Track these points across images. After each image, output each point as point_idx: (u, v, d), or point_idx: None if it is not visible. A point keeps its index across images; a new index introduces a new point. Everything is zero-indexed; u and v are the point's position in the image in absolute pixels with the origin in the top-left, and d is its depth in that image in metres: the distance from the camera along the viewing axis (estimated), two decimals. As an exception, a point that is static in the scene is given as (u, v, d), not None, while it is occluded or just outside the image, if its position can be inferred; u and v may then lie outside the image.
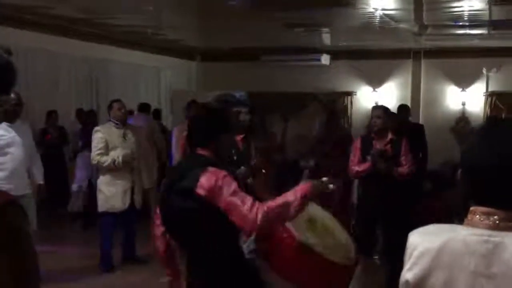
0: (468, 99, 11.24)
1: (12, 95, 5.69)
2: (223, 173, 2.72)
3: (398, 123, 7.98)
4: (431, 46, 10.81)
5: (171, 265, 3.21)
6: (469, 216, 1.50)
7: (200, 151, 2.92)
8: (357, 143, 6.00)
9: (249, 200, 2.63)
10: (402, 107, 8.69)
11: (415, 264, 1.51)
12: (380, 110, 5.94)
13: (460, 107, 11.30)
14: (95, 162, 6.48)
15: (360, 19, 8.44)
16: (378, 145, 5.80)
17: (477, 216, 1.48)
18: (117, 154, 6.40)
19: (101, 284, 6.27)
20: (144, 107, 10.25)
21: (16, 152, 5.61)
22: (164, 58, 12.23)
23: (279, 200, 2.69)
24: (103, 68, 10.88)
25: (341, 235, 3.24)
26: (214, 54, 12.56)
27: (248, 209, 2.59)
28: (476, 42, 10.15)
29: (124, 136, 6.62)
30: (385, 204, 5.73)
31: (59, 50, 9.70)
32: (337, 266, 2.90)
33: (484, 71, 10.86)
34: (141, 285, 6.30)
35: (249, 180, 5.03)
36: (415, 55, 11.41)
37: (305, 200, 2.71)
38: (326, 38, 10.41)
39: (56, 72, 9.86)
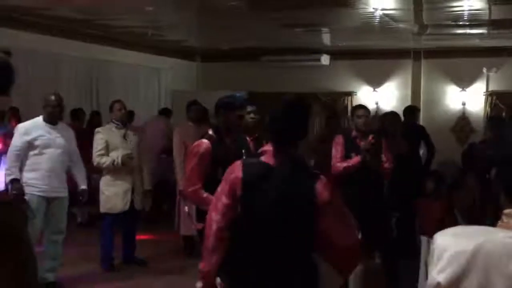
0: (468, 99, 11.23)
1: (53, 97, 5.81)
2: (330, 182, 2.75)
3: (407, 125, 8.02)
4: (431, 46, 10.81)
5: (211, 275, 2.89)
6: (505, 219, 1.47)
7: (291, 151, 2.79)
8: (339, 140, 5.93)
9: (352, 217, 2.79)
10: (410, 109, 8.72)
11: (447, 267, 1.48)
12: (364, 109, 5.96)
13: (460, 106, 11.30)
14: (95, 163, 6.50)
15: (360, 19, 8.44)
16: (361, 143, 5.79)
17: None
18: (116, 155, 6.41)
19: (101, 284, 6.27)
20: (165, 111, 10.60)
21: (53, 154, 5.69)
22: (164, 59, 12.23)
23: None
24: (103, 69, 10.88)
25: None
26: (214, 55, 12.57)
27: (352, 224, 2.79)
28: (476, 42, 10.16)
29: (125, 136, 6.63)
30: (364, 203, 5.71)
31: (59, 51, 9.71)
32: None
33: (484, 70, 10.86)
34: (142, 286, 6.30)
35: None
36: (415, 55, 11.41)
37: None
38: (326, 38, 10.41)
39: (57, 74, 9.85)
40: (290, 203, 2.69)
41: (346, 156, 5.81)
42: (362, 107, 6.13)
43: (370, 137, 5.81)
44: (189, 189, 4.26)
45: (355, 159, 5.71)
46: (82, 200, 6.17)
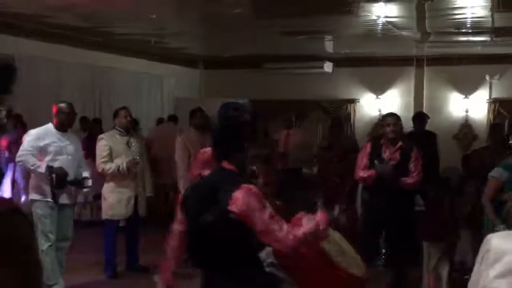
0: (471, 106, 11.23)
1: (65, 105, 5.87)
2: (256, 191, 2.71)
3: (415, 132, 8.02)
4: (433, 53, 10.81)
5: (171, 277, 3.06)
6: None
7: (226, 165, 2.82)
8: (367, 148, 5.94)
9: (284, 225, 2.70)
10: (420, 115, 8.71)
11: (507, 274, 1.41)
12: (393, 118, 5.91)
13: (463, 114, 11.30)
14: (100, 170, 6.50)
15: (362, 27, 8.46)
16: (387, 151, 5.77)
17: None
18: (121, 162, 6.42)
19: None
20: (173, 117, 10.69)
21: (64, 161, 5.73)
22: (167, 66, 12.27)
23: (307, 227, 2.75)
24: (106, 77, 10.91)
25: (351, 250, 3.27)
26: (217, 62, 12.59)
27: (284, 234, 2.66)
28: (478, 49, 10.17)
29: (128, 144, 6.63)
30: (391, 212, 5.71)
31: (62, 59, 9.74)
32: (354, 277, 2.94)
33: (487, 78, 10.86)
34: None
35: None
36: (418, 62, 11.42)
37: (326, 231, 2.86)
38: (329, 45, 10.43)
39: (59, 81, 9.88)
40: (206, 211, 2.73)
41: (370, 164, 5.79)
42: (392, 115, 6.07)
43: (397, 146, 5.77)
44: None
45: (370, 172, 5.70)
46: (85, 186, 6.06)
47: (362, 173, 5.82)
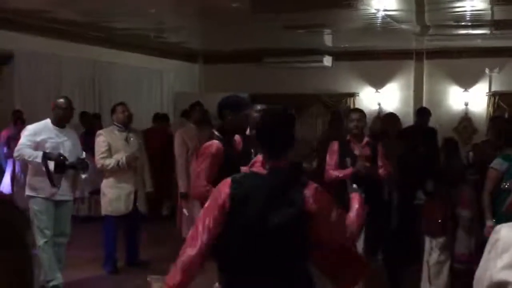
0: (471, 99, 11.23)
1: (63, 100, 5.84)
2: (321, 187, 2.74)
3: (417, 127, 8.03)
4: (433, 47, 10.80)
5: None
6: None
7: (281, 163, 2.75)
8: (334, 146, 5.90)
9: (348, 219, 2.83)
10: (423, 111, 8.69)
11: None
12: (359, 113, 5.92)
13: (463, 107, 11.30)
14: (99, 165, 6.50)
15: (362, 20, 8.45)
16: (356, 148, 5.77)
17: None
18: (120, 157, 6.42)
19: (105, 287, 6.28)
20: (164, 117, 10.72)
21: None
22: (167, 61, 12.26)
23: (358, 217, 2.91)
24: (106, 71, 10.91)
25: None
26: (217, 57, 12.58)
27: (353, 228, 2.82)
28: (478, 42, 10.15)
29: (127, 139, 6.64)
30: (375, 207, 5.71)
31: (62, 54, 9.74)
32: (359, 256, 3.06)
33: (487, 71, 10.85)
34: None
35: None
36: (417, 55, 11.41)
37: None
38: (328, 39, 10.42)
39: (60, 76, 9.88)
40: (279, 212, 2.66)
41: (340, 162, 5.77)
42: (357, 110, 6.10)
43: (364, 142, 5.78)
44: (199, 190, 4.20)
45: (348, 171, 5.66)
46: (84, 167, 5.95)
47: (337, 173, 5.74)
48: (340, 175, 5.69)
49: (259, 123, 2.88)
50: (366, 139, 5.84)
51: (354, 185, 3.17)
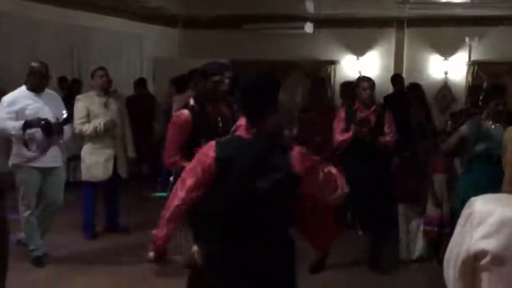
0: (450, 68, 11.27)
1: (38, 65, 5.68)
2: (304, 150, 2.78)
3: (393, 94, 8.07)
4: (414, 15, 10.78)
5: (165, 245, 2.96)
6: None
7: (264, 127, 2.78)
8: (342, 113, 6.01)
9: (335, 174, 2.86)
10: (396, 77, 8.73)
11: (495, 232, 1.42)
12: (368, 82, 5.95)
13: (443, 76, 11.35)
14: (78, 131, 6.44)
15: (344, -13, 8.39)
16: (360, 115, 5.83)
17: None
18: (99, 122, 6.37)
19: (84, 252, 6.29)
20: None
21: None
22: (146, 26, 12.08)
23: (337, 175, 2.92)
24: (84, 36, 10.73)
25: None
26: (197, 22, 12.43)
27: (341, 184, 2.86)
28: (459, 11, 10.15)
29: (106, 104, 6.58)
30: (368, 174, 5.76)
31: (39, 17, 9.55)
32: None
33: (467, 40, 10.88)
34: (125, 253, 6.32)
35: None
36: (398, 23, 11.39)
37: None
38: (310, 6, 10.35)
39: (36, 40, 9.70)
40: (265, 176, 2.68)
41: (346, 128, 5.85)
42: (367, 79, 6.11)
43: (372, 109, 5.85)
44: (168, 160, 4.19)
45: (348, 134, 5.78)
46: (68, 121, 5.86)
47: (340, 137, 5.86)
48: (343, 138, 5.80)
49: (243, 88, 2.88)
50: (374, 107, 5.88)
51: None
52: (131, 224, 7.11)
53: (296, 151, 2.73)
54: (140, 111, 9.46)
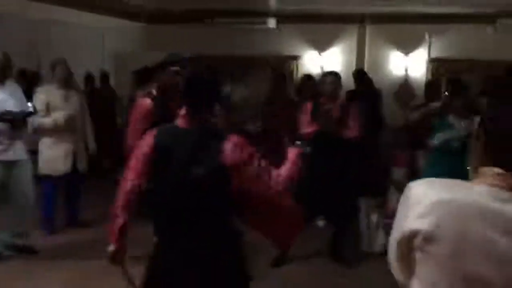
0: (411, 65, 11.43)
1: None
2: (243, 142, 2.79)
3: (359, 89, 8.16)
4: (377, 11, 10.89)
5: (123, 234, 3.00)
6: (485, 175, 1.52)
7: (206, 119, 2.87)
8: (308, 106, 6.05)
9: (272, 171, 2.84)
10: (360, 73, 8.82)
11: (427, 214, 1.48)
12: (333, 76, 6.01)
13: (403, 72, 11.50)
14: (36, 124, 6.32)
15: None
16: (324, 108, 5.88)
17: (493, 176, 1.51)
18: (58, 115, 6.27)
19: (44, 247, 6.19)
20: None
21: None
22: (109, 19, 11.93)
23: (288, 169, 2.96)
24: (43, 30, 10.55)
25: None
26: (160, 16, 12.32)
27: (275, 181, 2.82)
28: (419, 8, 10.29)
29: (66, 98, 6.49)
30: (330, 167, 5.82)
31: (-2, 9, 9.36)
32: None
33: (427, 37, 11.04)
34: (85, 248, 6.25)
35: None
36: (361, 19, 11.49)
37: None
38: (273, 1, 10.37)
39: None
40: (200, 164, 2.75)
41: (312, 121, 5.89)
42: (331, 73, 6.17)
43: (337, 103, 5.90)
44: (130, 144, 4.18)
45: (313, 127, 5.82)
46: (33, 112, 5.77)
47: (305, 130, 5.91)
48: (308, 131, 5.83)
49: (185, 79, 2.97)
50: (339, 101, 5.93)
51: (298, 142, 3.29)
52: (91, 219, 7.04)
53: (232, 142, 2.78)
54: (103, 105, 9.39)
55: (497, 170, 1.51)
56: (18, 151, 5.65)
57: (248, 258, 3.04)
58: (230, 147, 2.75)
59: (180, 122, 2.91)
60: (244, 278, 3.03)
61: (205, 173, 2.73)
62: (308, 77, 9.36)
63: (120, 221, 2.96)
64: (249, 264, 3.06)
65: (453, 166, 4.91)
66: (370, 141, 7.13)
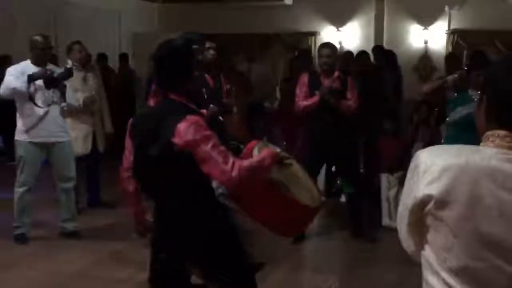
0: (430, 37, 11.28)
1: (40, 38, 5.58)
2: (201, 122, 2.67)
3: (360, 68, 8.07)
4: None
5: (138, 203, 3.07)
6: (491, 138, 1.52)
7: (174, 96, 2.77)
8: (304, 79, 5.95)
9: (230, 158, 2.64)
10: (378, 48, 8.77)
11: (437, 179, 1.48)
12: (329, 49, 5.93)
13: (423, 45, 11.36)
14: (65, 105, 6.32)
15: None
16: (326, 81, 5.82)
17: (499, 138, 1.51)
18: (78, 97, 6.29)
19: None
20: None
21: (47, 96, 5.47)
22: (125, 1, 11.93)
23: (253, 162, 2.74)
24: (62, 12, 10.57)
25: (308, 181, 3.25)
26: (176, -4, 12.30)
27: (229, 167, 2.61)
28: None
29: (85, 79, 6.51)
30: (335, 141, 5.76)
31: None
32: (299, 205, 2.90)
33: (446, 8, 10.87)
34: (109, 229, 6.31)
35: (220, 118, 5.01)
36: (378, -7, 11.36)
37: (271, 167, 2.80)
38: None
39: (12, 16, 9.54)
40: (156, 144, 2.69)
41: (310, 94, 5.83)
42: (326, 46, 6.06)
43: (335, 76, 5.82)
44: None
45: (314, 98, 5.74)
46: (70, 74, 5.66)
47: (305, 102, 5.82)
48: (308, 103, 5.77)
49: (155, 56, 2.85)
50: (336, 73, 5.86)
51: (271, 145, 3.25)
52: (112, 199, 7.09)
53: (187, 122, 2.64)
54: (122, 86, 9.41)
55: (503, 132, 1.51)
56: (54, 133, 5.68)
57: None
58: (183, 127, 2.62)
59: (151, 101, 2.92)
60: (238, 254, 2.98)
61: (157, 153, 2.67)
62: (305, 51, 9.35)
63: (133, 209, 3.06)
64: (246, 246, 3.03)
65: (473, 141, 4.85)
66: (391, 116, 7.06)
